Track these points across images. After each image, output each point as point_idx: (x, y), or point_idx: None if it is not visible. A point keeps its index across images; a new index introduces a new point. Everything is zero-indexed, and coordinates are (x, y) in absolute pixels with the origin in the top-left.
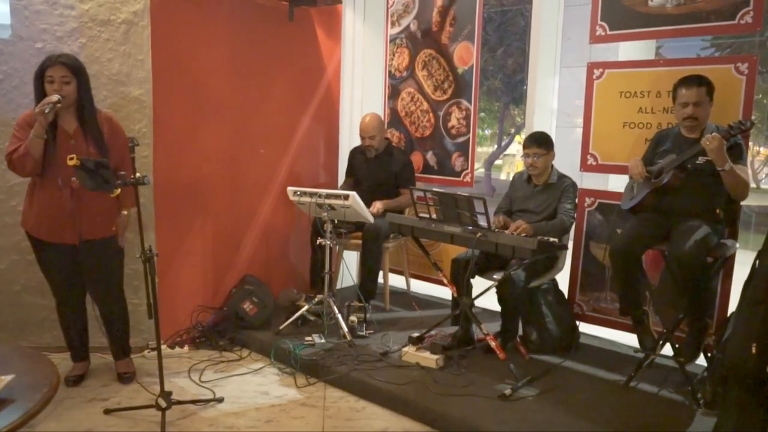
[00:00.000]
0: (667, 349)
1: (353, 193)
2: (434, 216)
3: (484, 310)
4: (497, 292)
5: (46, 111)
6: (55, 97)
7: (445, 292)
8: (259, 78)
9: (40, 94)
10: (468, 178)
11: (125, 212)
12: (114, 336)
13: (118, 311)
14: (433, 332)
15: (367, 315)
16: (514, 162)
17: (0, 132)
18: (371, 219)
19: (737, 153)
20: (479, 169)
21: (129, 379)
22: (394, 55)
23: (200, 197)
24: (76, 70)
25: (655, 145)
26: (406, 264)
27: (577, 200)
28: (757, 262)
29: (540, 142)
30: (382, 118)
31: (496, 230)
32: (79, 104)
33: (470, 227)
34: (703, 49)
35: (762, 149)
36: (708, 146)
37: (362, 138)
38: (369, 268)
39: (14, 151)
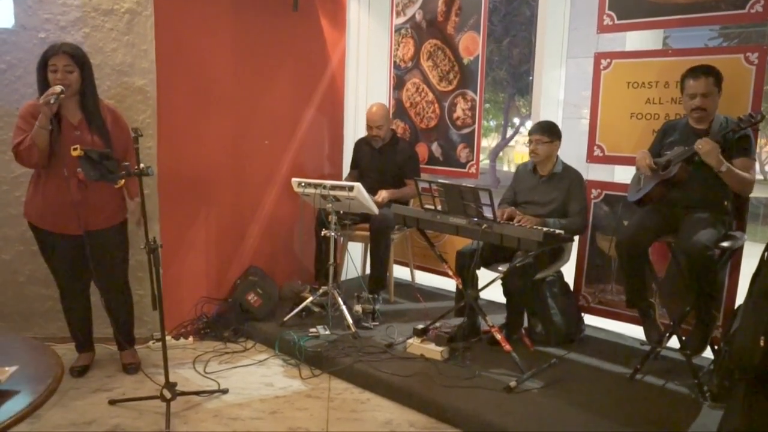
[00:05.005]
0: (674, 342)
1: (358, 185)
2: (439, 207)
3: (489, 302)
4: (502, 284)
5: (51, 102)
6: (58, 88)
7: (449, 284)
8: (263, 68)
9: (44, 83)
10: (473, 170)
11: (137, 199)
12: (119, 327)
13: (122, 302)
14: (437, 324)
15: (377, 306)
16: (512, 153)
17: (5, 123)
18: (376, 210)
19: (746, 146)
20: (484, 161)
21: (134, 370)
22: (399, 46)
23: (204, 188)
24: (80, 59)
25: (662, 136)
26: (410, 255)
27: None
28: (766, 254)
29: (544, 130)
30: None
31: (502, 222)
32: (83, 94)
33: (475, 219)
34: (711, 39)
35: None
36: (701, 150)
37: (369, 128)
38: (379, 258)
39: (20, 143)
